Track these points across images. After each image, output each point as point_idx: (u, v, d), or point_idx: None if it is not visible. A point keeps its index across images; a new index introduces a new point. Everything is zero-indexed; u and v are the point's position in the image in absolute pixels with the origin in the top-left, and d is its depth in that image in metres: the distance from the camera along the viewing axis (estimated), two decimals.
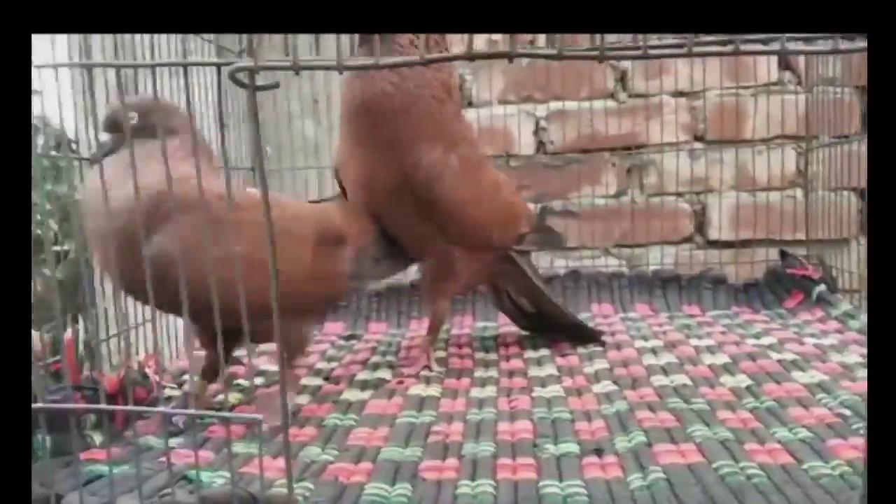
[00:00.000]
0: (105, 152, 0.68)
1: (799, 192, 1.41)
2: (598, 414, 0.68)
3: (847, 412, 0.64)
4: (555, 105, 1.46)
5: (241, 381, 0.85)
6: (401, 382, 0.82)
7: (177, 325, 0.97)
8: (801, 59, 1.40)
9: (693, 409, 0.67)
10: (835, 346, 0.86)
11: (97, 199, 0.61)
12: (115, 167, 0.63)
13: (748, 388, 0.72)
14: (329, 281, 0.78)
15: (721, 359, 0.82)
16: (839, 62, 1.35)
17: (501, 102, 1.48)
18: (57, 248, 1.44)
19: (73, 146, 1.54)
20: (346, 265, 0.79)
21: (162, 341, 0.92)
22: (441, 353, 0.94)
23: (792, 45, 0.43)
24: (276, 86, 0.48)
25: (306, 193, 1.26)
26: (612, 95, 1.47)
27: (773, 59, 1.42)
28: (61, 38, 0.62)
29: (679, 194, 1.46)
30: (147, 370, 0.82)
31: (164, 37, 0.94)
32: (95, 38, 0.85)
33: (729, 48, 0.42)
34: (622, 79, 1.47)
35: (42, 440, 0.57)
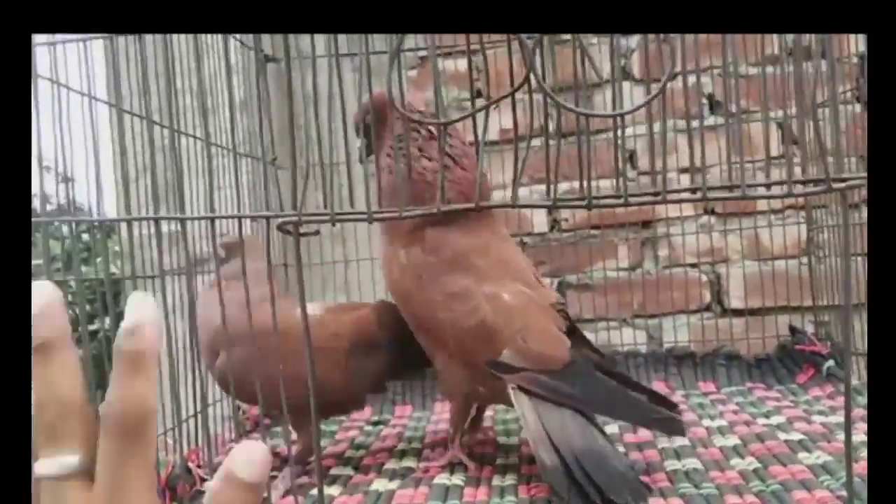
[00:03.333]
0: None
1: (810, 260, 1.45)
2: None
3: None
4: (565, 185, 1.53)
5: (274, 473, 0.90)
6: (426, 471, 0.87)
7: (214, 422, 1.03)
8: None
9: (702, 495, 0.71)
10: (841, 424, 0.89)
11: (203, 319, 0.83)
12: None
13: (755, 470, 0.76)
14: (362, 379, 0.93)
15: (732, 440, 0.86)
16: (843, 136, 1.40)
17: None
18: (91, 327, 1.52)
19: (106, 231, 1.63)
20: (379, 365, 0.93)
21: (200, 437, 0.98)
22: (465, 439, 0.98)
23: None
24: (317, 233, 0.55)
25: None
26: (620, 175, 1.53)
27: (777, 133, 1.48)
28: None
29: (693, 265, 1.50)
30: (190, 464, 0.88)
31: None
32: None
33: (736, 193, 0.48)
34: (630, 158, 1.54)
35: None
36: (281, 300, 0.82)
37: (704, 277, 1.50)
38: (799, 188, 0.52)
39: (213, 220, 0.56)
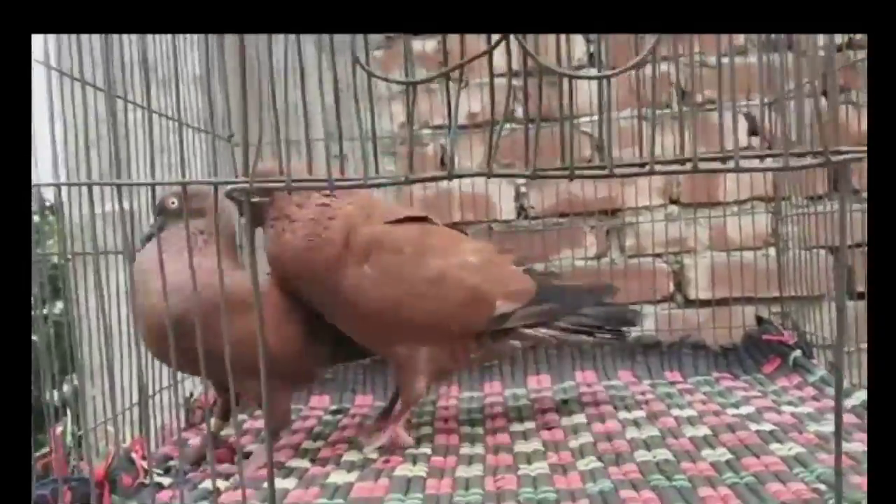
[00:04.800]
0: (151, 233, 0.84)
1: (772, 252, 1.46)
2: (584, 493, 0.69)
3: (822, 486, 0.65)
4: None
5: (228, 466, 0.85)
6: (387, 461, 0.83)
7: (162, 410, 0.97)
8: (767, 124, 1.46)
9: (675, 486, 0.68)
10: (811, 414, 0.88)
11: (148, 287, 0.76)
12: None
13: (728, 462, 0.74)
14: (315, 348, 0.90)
15: (702, 431, 0.83)
16: (807, 129, 1.41)
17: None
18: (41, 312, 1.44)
19: (51, 208, 1.55)
20: (330, 341, 0.90)
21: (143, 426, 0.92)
22: (427, 430, 0.95)
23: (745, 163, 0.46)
24: (269, 200, 0.51)
25: None
26: (588, 162, 1.51)
27: (744, 126, 1.48)
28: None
29: (657, 255, 1.49)
30: (133, 455, 0.82)
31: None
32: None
33: (688, 166, 0.45)
34: (599, 147, 1.52)
35: None
36: (239, 270, 0.86)
37: (667, 267, 1.49)
38: (794, 161, 0.49)
39: (153, 186, 0.50)
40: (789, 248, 1.36)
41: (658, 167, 0.50)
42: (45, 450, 0.73)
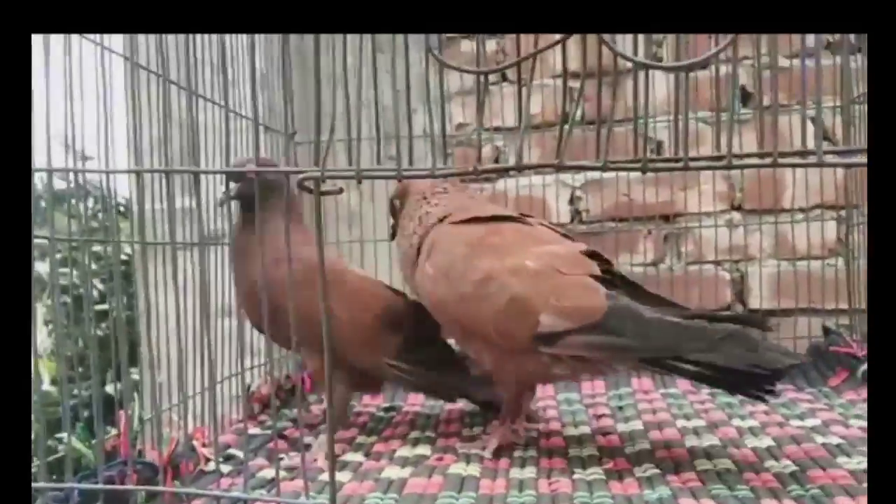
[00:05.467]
0: (229, 198, 0.84)
1: (840, 261, 1.41)
2: (641, 500, 0.68)
3: None
4: (590, 174, 1.49)
5: (283, 455, 0.86)
6: (440, 459, 0.83)
7: (228, 400, 0.99)
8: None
9: (737, 497, 0.66)
10: None
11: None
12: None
13: (792, 474, 0.71)
14: (385, 349, 0.93)
15: (765, 442, 0.81)
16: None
17: (537, 173, 1.50)
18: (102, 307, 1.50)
19: (122, 209, 1.61)
20: (398, 342, 0.93)
21: (209, 415, 0.94)
22: (479, 430, 0.94)
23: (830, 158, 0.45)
24: (341, 191, 0.51)
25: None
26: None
27: (810, 129, 1.43)
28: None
29: (717, 263, 1.46)
30: (195, 443, 0.84)
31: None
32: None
33: (767, 160, 0.44)
34: (658, 149, 1.50)
35: None
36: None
37: (727, 276, 1.46)
38: (830, 158, 0.48)
39: (227, 174, 0.51)
40: (856, 257, 1.32)
41: (735, 161, 0.48)
42: (114, 432, 0.75)
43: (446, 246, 0.86)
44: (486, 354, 0.84)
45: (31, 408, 0.49)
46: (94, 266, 1.51)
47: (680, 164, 0.47)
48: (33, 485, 0.55)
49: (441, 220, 0.87)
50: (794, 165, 0.48)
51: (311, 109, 0.60)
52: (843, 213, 1.39)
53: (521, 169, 0.47)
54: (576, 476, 0.75)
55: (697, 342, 0.71)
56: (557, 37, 0.52)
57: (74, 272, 0.95)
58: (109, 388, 1.35)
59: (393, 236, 0.96)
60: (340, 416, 0.94)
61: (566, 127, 0.51)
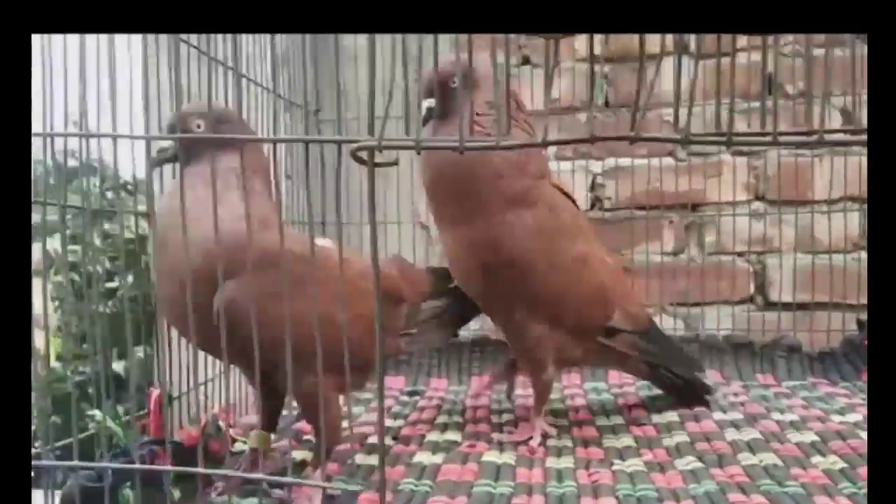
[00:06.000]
0: (164, 158, 0.68)
1: (864, 255, 1.38)
2: (687, 494, 0.65)
3: None
4: (611, 161, 1.46)
5: (311, 437, 0.84)
6: (472, 446, 0.81)
7: (240, 381, 0.96)
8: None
9: (788, 493, 0.64)
10: None
11: (172, 230, 0.60)
12: (193, 192, 0.61)
13: (842, 471, 0.69)
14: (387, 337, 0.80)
15: (808, 437, 0.79)
16: None
17: (558, 158, 1.48)
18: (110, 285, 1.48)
19: (130, 188, 1.58)
20: (402, 322, 0.83)
21: (233, 394, 0.92)
22: (508, 417, 0.92)
23: None
24: (396, 163, 0.49)
25: (361, 248, 1.27)
26: (670, 153, 1.46)
27: (838, 120, 1.40)
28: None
29: (739, 254, 1.43)
30: (221, 423, 0.82)
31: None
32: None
33: (813, 138, 0.42)
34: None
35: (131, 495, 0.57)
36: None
37: (750, 267, 1.43)
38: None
39: (274, 143, 0.49)
40: None
41: (781, 138, 0.46)
42: (142, 412, 0.73)
43: (554, 205, 0.81)
44: (536, 328, 0.81)
45: (37, 385, 0.46)
46: (100, 244, 1.48)
47: (768, 139, 0.44)
48: (67, 463, 0.53)
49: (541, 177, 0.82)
50: (840, 143, 0.46)
51: (335, 87, 0.57)
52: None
53: (593, 141, 0.45)
54: (615, 467, 0.73)
55: (687, 364, 0.94)
56: None
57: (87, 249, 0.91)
58: (118, 367, 1.33)
59: (428, 120, 0.77)
60: (336, 431, 0.70)
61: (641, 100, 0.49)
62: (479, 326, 1.19)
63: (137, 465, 0.55)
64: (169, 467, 0.57)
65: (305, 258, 0.56)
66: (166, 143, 0.68)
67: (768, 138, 0.42)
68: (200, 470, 0.55)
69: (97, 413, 0.60)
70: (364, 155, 0.47)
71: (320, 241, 0.68)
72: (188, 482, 0.67)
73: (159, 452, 0.67)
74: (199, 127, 0.67)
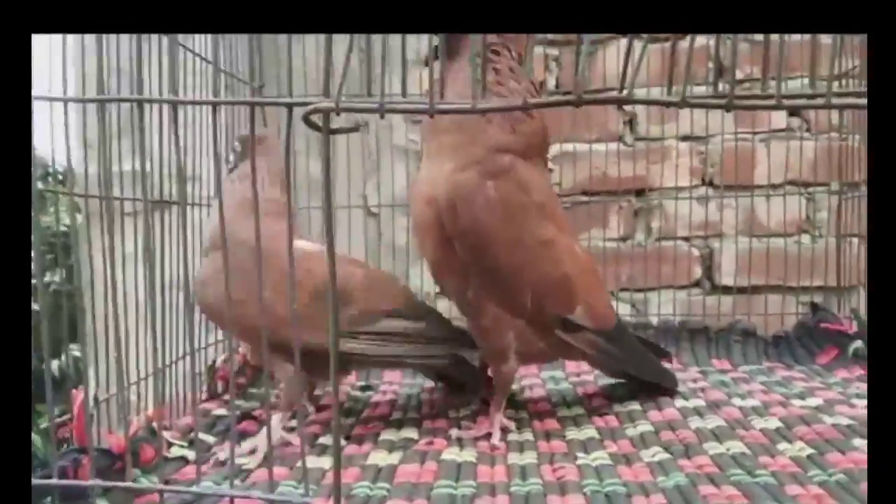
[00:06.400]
0: (233, 165, 0.88)
1: (805, 239, 1.40)
2: (657, 487, 0.62)
3: None
4: (563, 147, 1.44)
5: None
6: (430, 443, 0.76)
7: (177, 380, 0.89)
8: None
9: (759, 483, 0.62)
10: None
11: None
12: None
13: (810, 457, 0.68)
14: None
15: (773, 423, 0.77)
16: (846, 112, 1.34)
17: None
18: (43, 280, 1.37)
19: (60, 178, 1.47)
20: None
21: (169, 394, 0.85)
22: (465, 412, 0.88)
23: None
24: (356, 129, 0.44)
25: (310, 234, 1.21)
26: (620, 138, 1.45)
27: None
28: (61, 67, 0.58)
29: (686, 239, 1.43)
30: (155, 425, 0.75)
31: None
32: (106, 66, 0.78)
33: (771, 101, 0.41)
34: (630, 122, 1.46)
35: None
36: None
37: (696, 252, 1.44)
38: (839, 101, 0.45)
39: (214, 105, 0.43)
40: (822, 235, 1.32)
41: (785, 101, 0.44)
42: (66, 417, 0.65)
43: (525, 181, 0.76)
44: (491, 309, 0.77)
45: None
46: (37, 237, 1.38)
47: (676, 100, 0.41)
48: None
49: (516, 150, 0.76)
50: (801, 106, 0.45)
51: (281, 65, 0.52)
52: (811, 190, 1.39)
53: (580, 104, 0.40)
54: (580, 461, 0.70)
55: (657, 375, 0.90)
56: None
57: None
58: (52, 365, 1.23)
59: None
60: (293, 397, 0.79)
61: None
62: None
63: (55, 480, 0.48)
64: (92, 482, 0.50)
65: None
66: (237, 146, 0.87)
67: (771, 101, 0.39)
68: (129, 484, 0.48)
69: None
70: (318, 119, 0.42)
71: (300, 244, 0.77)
72: (118, 493, 0.60)
73: (84, 462, 0.60)
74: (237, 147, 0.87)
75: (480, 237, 0.74)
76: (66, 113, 0.49)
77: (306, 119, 0.41)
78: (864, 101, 0.39)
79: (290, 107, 0.42)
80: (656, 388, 0.90)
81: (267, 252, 0.55)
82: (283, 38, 1.12)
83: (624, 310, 1.40)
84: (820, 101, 0.43)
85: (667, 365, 0.95)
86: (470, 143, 0.75)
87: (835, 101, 0.39)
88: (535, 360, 0.93)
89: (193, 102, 0.53)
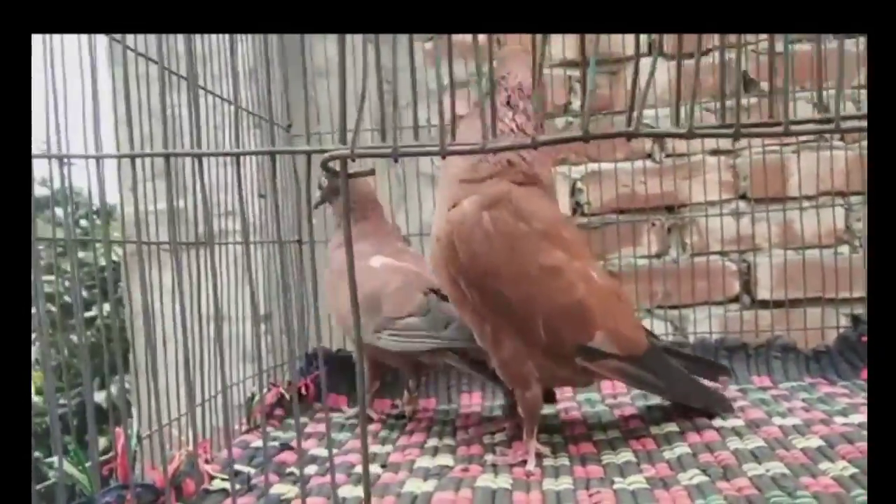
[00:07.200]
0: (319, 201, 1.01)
1: (846, 249, 1.37)
2: None
3: None
4: (590, 166, 1.44)
5: (294, 470, 0.79)
6: (466, 470, 0.77)
7: (218, 413, 0.91)
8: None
9: None
10: None
11: None
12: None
13: (853, 476, 0.66)
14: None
15: (814, 442, 0.76)
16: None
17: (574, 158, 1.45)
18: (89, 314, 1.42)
19: (108, 218, 1.52)
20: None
21: (208, 429, 0.87)
22: (500, 437, 0.88)
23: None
24: (372, 172, 0.45)
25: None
26: (649, 156, 1.45)
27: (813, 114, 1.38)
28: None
29: (723, 253, 1.42)
30: (198, 459, 0.77)
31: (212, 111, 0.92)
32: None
33: (778, 129, 0.41)
34: (660, 142, 1.45)
35: None
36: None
37: (734, 266, 1.42)
38: (849, 124, 0.45)
39: (238, 157, 0.45)
40: (861, 245, 1.29)
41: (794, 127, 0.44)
42: (110, 455, 0.68)
43: (523, 210, 0.76)
44: (508, 343, 0.77)
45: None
46: (79, 273, 1.44)
47: (683, 131, 0.42)
48: None
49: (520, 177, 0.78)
50: (808, 132, 0.45)
51: (303, 102, 0.54)
52: (849, 199, 1.36)
53: (588, 139, 0.41)
54: (617, 486, 0.69)
55: (701, 400, 0.88)
56: None
57: (59, 279, 0.87)
58: (98, 398, 1.27)
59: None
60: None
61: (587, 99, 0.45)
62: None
63: None
64: None
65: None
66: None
67: (779, 128, 0.39)
68: None
69: (55, 460, 0.54)
70: (336, 165, 0.44)
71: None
72: None
73: (127, 498, 0.62)
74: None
75: (481, 272, 0.75)
76: (99, 169, 0.52)
77: (325, 165, 0.43)
78: (823, 126, 0.40)
79: (308, 154, 0.43)
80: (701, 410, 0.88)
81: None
82: (309, 75, 1.15)
83: (662, 328, 1.39)
84: (829, 125, 0.43)
85: (720, 383, 0.94)
86: (469, 172, 0.76)
87: (844, 124, 0.39)
88: (563, 384, 0.93)
89: (216, 154, 0.55)
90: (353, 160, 0.43)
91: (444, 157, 0.43)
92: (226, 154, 0.48)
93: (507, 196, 0.76)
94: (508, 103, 0.77)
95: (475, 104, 0.80)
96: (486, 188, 0.76)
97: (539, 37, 0.43)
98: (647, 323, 1.34)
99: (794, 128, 0.40)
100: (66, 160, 0.67)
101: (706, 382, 0.92)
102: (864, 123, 0.40)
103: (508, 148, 0.53)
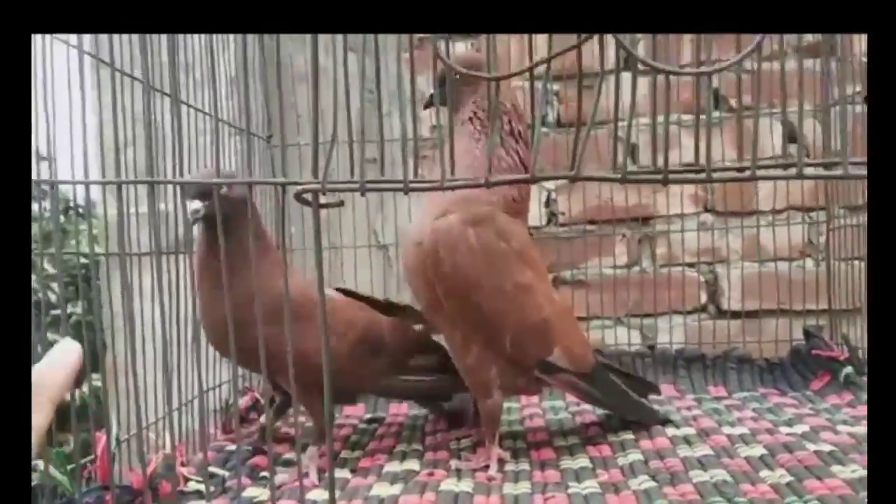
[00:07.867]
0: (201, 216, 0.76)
1: (808, 263, 1.43)
2: None
3: None
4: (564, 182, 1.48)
5: (266, 474, 0.83)
6: (431, 475, 0.80)
7: (194, 417, 0.94)
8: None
9: None
10: None
11: None
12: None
13: (789, 484, 0.71)
14: (360, 374, 0.91)
15: (757, 450, 0.80)
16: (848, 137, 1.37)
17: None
18: (61, 311, 1.43)
19: (80, 211, 1.54)
20: (377, 369, 0.92)
21: (185, 431, 0.90)
22: (466, 443, 0.92)
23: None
24: (341, 203, 0.49)
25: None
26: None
27: (779, 133, 1.44)
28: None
29: (691, 265, 1.47)
30: (172, 461, 0.80)
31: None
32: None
33: (746, 174, 0.44)
34: (632, 153, 1.49)
35: None
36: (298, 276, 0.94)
37: (701, 277, 1.47)
38: (811, 170, 0.48)
39: (217, 187, 0.48)
40: (824, 259, 1.34)
41: (673, 176, 0.47)
42: (90, 458, 0.71)
43: (505, 231, 0.82)
44: (475, 351, 0.82)
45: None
46: (52, 270, 1.45)
47: (659, 177, 0.46)
48: None
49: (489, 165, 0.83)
50: (774, 178, 0.48)
51: (284, 113, 0.57)
52: (812, 215, 1.41)
53: (535, 182, 0.45)
54: (571, 490, 0.74)
55: (640, 415, 0.93)
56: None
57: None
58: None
59: (429, 105, 0.89)
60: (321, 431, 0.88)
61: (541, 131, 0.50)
62: None
63: None
64: None
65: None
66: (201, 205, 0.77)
67: (702, 175, 0.44)
68: None
69: (39, 463, 0.58)
70: (308, 197, 0.47)
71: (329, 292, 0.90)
72: None
73: (106, 499, 0.65)
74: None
75: (461, 282, 0.79)
76: (87, 189, 0.54)
77: (297, 197, 0.47)
78: (836, 171, 0.42)
79: (283, 186, 0.47)
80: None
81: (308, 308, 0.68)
82: (289, 82, 1.18)
83: (631, 336, 1.43)
84: (792, 171, 0.46)
85: (653, 396, 0.99)
86: (457, 202, 0.80)
87: (807, 171, 0.43)
88: (520, 393, 0.98)
89: (197, 182, 0.58)
90: (325, 193, 0.47)
91: (406, 193, 0.47)
92: (205, 182, 0.52)
93: (492, 216, 0.82)
94: (511, 133, 0.83)
95: (471, 134, 0.84)
96: (475, 207, 0.81)
97: (533, 46, 0.46)
98: (617, 331, 1.39)
99: (759, 172, 0.44)
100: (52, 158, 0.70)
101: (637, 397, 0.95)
102: (828, 172, 0.43)
103: (508, 182, 0.57)
